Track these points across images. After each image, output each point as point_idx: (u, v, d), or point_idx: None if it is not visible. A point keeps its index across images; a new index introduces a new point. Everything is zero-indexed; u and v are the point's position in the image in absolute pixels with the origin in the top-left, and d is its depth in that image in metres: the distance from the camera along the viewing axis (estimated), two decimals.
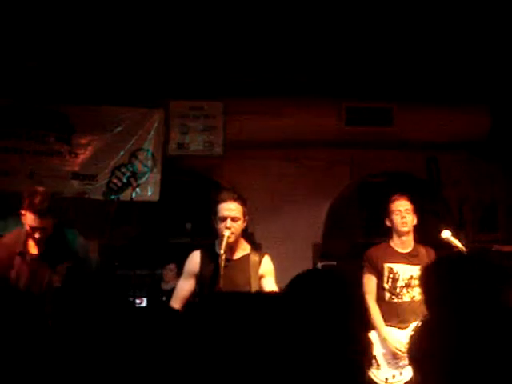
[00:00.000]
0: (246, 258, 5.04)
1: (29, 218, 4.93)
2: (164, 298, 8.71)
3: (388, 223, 5.91)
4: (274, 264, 5.09)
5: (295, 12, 6.13)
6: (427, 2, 5.90)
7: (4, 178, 7.66)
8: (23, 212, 4.95)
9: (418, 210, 5.92)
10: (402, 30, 6.44)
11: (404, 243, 5.87)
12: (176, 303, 4.97)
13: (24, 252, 5.05)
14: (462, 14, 6.12)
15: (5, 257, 5.01)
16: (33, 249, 5.05)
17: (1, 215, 8.08)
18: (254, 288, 4.88)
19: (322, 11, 6.11)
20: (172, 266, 8.73)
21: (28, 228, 4.97)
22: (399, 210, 5.81)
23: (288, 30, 6.48)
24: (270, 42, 6.74)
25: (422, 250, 5.85)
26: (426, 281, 2.49)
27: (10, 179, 7.64)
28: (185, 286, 5.07)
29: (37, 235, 4.98)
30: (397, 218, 5.83)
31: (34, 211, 4.90)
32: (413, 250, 5.87)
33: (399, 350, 5.63)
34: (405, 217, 5.81)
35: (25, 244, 5.05)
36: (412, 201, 5.88)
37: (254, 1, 5.95)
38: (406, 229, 5.82)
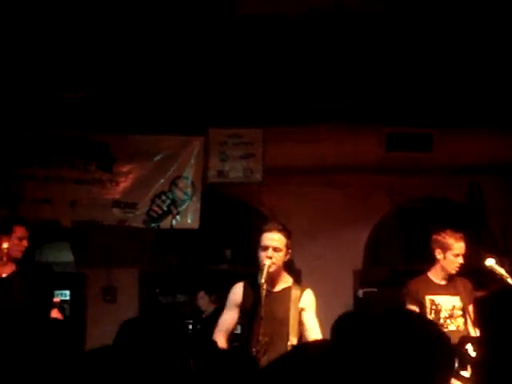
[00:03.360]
0: (287, 290, 5.02)
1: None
2: (199, 326, 8.80)
3: (439, 255, 5.89)
4: (315, 296, 5.07)
5: (334, 39, 6.14)
6: (466, 29, 5.87)
7: (45, 207, 7.73)
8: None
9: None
10: (442, 57, 6.42)
11: (445, 277, 5.91)
12: (220, 335, 5.00)
13: None
14: (502, 38, 6.08)
15: None
16: None
17: (38, 244, 8.16)
18: (292, 321, 4.89)
19: (363, 38, 6.11)
20: (201, 293, 8.89)
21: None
22: (459, 254, 5.81)
23: (327, 57, 6.49)
24: (310, 70, 6.74)
25: (458, 280, 5.90)
26: (485, 310, 2.46)
27: (51, 207, 7.71)
28: (228, 318, 5.09)
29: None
30: (455, 260, 5.82)
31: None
32: (449, 281, 5.91)
33: None
34: (462, 263, 5.82)
35: None
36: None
37: (294, 28, 5.97)
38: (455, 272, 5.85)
